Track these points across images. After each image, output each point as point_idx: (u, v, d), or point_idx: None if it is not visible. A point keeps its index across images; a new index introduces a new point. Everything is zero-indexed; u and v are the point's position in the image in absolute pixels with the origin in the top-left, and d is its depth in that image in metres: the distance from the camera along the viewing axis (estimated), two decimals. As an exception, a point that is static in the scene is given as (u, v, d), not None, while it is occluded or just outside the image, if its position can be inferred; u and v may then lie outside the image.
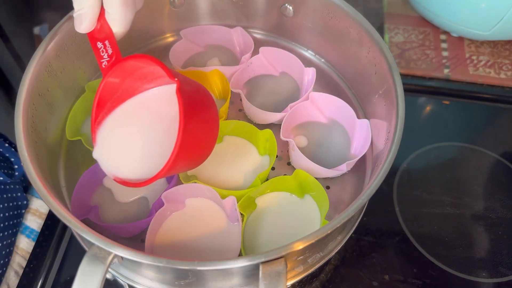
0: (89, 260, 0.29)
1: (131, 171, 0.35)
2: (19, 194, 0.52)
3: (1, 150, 0.53)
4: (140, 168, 0.35)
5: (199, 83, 0.36)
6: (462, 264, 0.50)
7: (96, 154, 0.36)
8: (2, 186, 0.50)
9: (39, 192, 0.33)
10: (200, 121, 0.34)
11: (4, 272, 0.49)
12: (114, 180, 0.35)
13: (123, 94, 0.37)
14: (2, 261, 0.48)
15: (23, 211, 0.53)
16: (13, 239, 0.51)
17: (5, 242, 0.49)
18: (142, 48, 0.53)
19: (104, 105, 0.36)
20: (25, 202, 0.53)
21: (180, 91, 0.31)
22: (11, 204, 0.51)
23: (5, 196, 0.50)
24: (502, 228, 0.53)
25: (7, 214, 0.50)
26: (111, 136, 0.36)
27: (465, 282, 0.49)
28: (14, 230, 0.51)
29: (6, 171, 0.52)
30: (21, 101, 0.38)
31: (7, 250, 0.49)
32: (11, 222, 0.51)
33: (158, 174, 0.32)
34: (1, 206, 0.49)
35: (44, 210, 0.54)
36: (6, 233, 0.50)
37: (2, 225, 0.49)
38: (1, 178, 0.50)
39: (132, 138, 0.35)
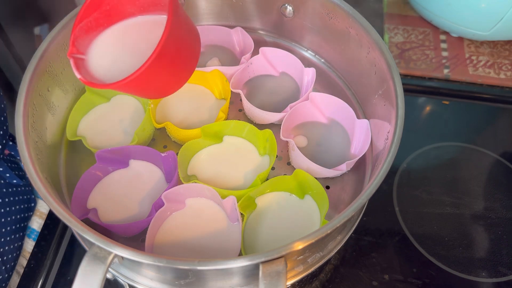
0: (90, 260, 0.29)
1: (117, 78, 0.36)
2: (27, 196, 0.52)
3: (12, 153, 0.53)
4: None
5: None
6: (462, 264, 0.50)
7: (92, 63, 0.37)
8: (15, 189, 0.50)
9: (39, 192, 0.33)
10: (183, 38, 0.35)
11: (10, 277, 0.49)
12: (98, 86, 0.35)
13: (113, 10, 0.38)
14: (9, 265, 0.48)
15: (31, 213, 0.53)
16: (20, 243, 0.51)
17: (12, 246, 0.49)
18: (142, 48, 0.53)
19: (91, 13, 0.37)
20: (32, 204, 0.53)
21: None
22: (22, 206, 0.51)
23: (17, 198, 0.50)
24: (502, 228, 0.53)
25: (18, 216, 0.50)
26: (105, 48, 0.38)
27: (465, 282, 0.49)
28: (22, 234, 0.51)
29: (17, 172, 0.52)
30: (21, 101, 0.38)
31: (14, 254, 0.49)
32: (21, 225, 0.51)
33: (138, 69, 0.32)
34: (13, 208, 0.49)
35: (45, 210, 0.54)
36: (17, 235, 0.50)
37: (13, 227, 0.49)
38: (15, 181, 0.50)
39: (122, 52, 0.37)
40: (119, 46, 0.38)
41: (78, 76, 0.34)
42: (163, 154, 0.42)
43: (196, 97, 0.50)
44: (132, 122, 0.47)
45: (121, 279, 0.37)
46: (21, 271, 0.49)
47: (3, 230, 0.48)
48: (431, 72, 0.67)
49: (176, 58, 0.35)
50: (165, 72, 0.35)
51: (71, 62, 0.35)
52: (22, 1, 0.59)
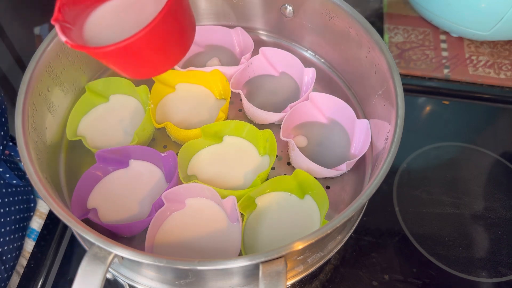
0: (90, 260, 0.30)
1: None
2: (27, 196, 0.53)
3: (12, 153, 0.53)
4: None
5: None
6: (462, 264, 0.50)
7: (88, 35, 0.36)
8: (14, 189, 0.50)
9: (39, 192, 0.33)
10: (182, 15, 0.34)
11: (10, 277, 0.49)
12: (99, 49, 0.33)
13: None
14: (8, 265, 0.48)
15: (32, 213, 0.53)
16: (19, 243, 0.51)
17: (12, 246, 0.49)
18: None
19: None
20: (32, 204, 0.53)
21: None
22: (21, 206, 0.51)
23: (16, 198, 0.50)
24: (502, 228, 0.53)
25: (18, 216, 0.50)
26: (99, 21, 0.37)
27: (465, 282, 0.49)
28: (22, 234, 0.51)
29: (16, 172, 0.52)
30: (21, 101, 0.38)
31: (14, 254, 0.49)
32: (21, 225, 0.51)
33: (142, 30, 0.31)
34: (13, 208, 0.49)
35: (45, 210, 0.54)
36: (16, 235, 0.50)
37: (13, 227, 0.49)
38: (15, 182, 0.50)
39: (117, 26, 0.36)
40: (114, 21, 0.37)
41: (63, 39, 0.33)
42: (163, 154, 0.42)
43: (196, 97, 0.50)
44: (132, 122, 0.47)
45: (121, 279, 0.37)
46: (21, 271, 0.49)
47: (3, 230, 0.48)
48: (431, 72, 0.67)
49: (174, 30, 0.34)
50: (161, 42, 0.34)
51: (57, 27, 0.33)
52: (22, 1, 0.59)
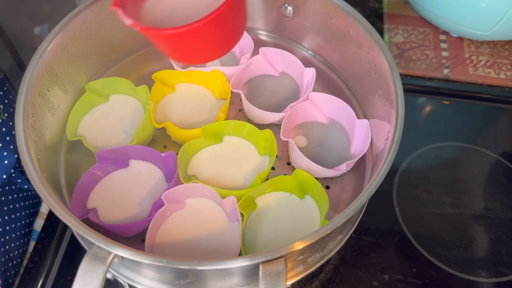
0: (90, 260, 0.30)
1: None
2: (35, 200, 0.52)
3: None
4: None
5: None
6: (462, 264, 0.50)
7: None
8: (25, 193, 0.50)
9: (39, 192, 0.33)
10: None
11: (13, 282, 0.49)
12: (163, 31, 0.33)
13: None
14: (13, 271, 0.48)
15: (36, 217, 0.53)
16: (25, 248, 0.51)
17: (20, 251, 0.49)
18: (142, 49, 0.53)
19: None
20: (38, 208, 0.53)
21: None
22: (31, 210, 0.51)
23: (27, 203, 0.50)
24: (501, 228, 0.53)
25: (28, 221, 0.50)
26: (159, 7, 0.37)
27: (465, 282, 0.49)
28: (28, 239, 0.51)
29: (26, 176, 0.52)
30: (21, 101, 0.38)
31: (19, 259, 0.49)
32: (28, 230, 0.51)
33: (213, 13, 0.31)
34: (23, 213, 0.49)
35: (45, 210, 0.54)
36: (23, 240, 0.50)
37: (23, 231, 0.49)
38: (26, 186, 0.50)
39: (179, 9, 0.36)
40: (174, 3, 0.37)
41: (128, 22, 0.32)
42: (163, 154, 0.42)
43: (196, 97, 0.50)
44: (132, 122, 0.47)
45: (121, 279, 0.37)
46: (21, 271, 0.49)
47: (14, 235, 0.48)
48: (431, 72, 0.67)
49: (235, 17, 0.34)
50: (223, 28, 0.34)
51: (119, 12, 0.33)
52: (22, 1, 0.59)
